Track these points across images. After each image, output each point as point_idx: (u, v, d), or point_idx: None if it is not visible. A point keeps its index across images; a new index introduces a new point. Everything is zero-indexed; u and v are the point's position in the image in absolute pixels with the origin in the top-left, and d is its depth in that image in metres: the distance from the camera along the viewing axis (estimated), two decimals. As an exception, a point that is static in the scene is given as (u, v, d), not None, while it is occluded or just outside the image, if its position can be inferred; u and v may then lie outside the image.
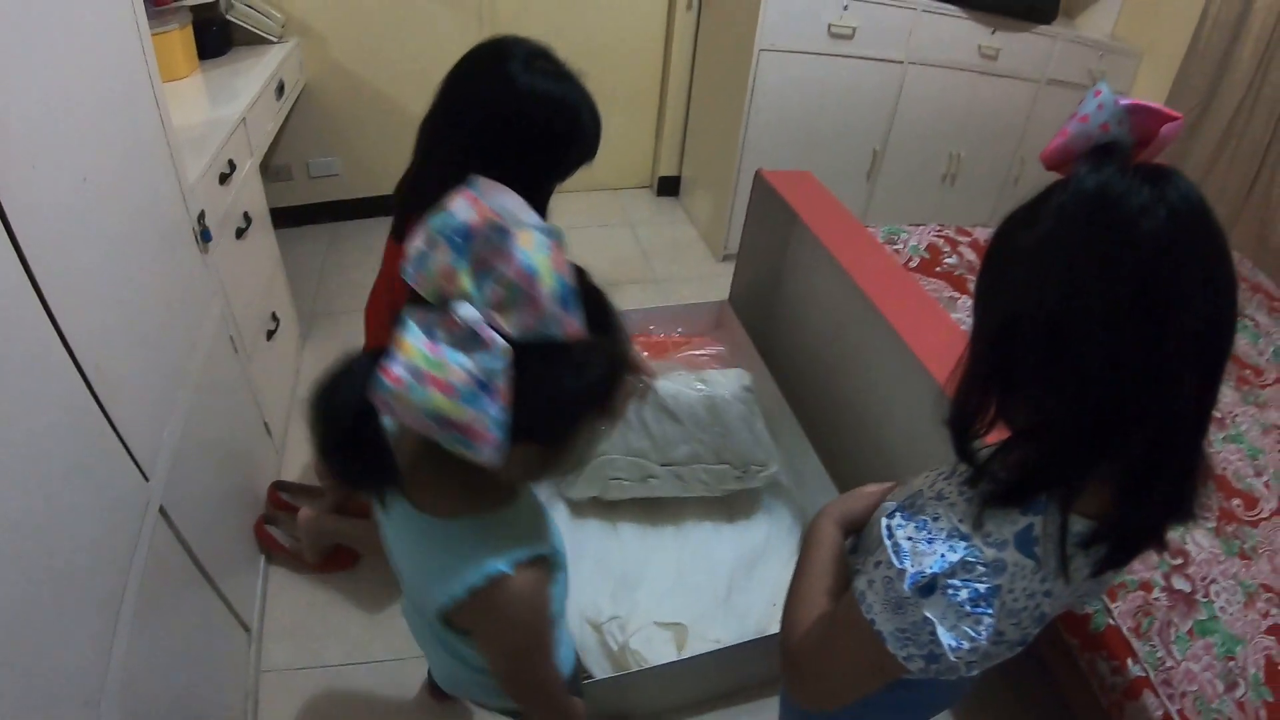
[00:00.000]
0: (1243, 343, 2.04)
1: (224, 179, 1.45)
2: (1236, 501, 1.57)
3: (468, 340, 0.52)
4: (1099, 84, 0.55)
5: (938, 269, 1.96)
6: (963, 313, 1.77)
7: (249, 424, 1.54)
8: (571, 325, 0.54)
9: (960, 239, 2.13)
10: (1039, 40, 2.68)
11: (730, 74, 2.45)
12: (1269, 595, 1.37)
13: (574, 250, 0.55)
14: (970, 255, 2.07)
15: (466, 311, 0.52)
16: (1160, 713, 1.15)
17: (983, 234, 2.17)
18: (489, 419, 0.52)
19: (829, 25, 2.30)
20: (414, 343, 0.52)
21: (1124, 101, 0.55)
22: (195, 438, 1.17)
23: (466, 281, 0.53)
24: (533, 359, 0.54)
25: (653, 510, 1.61)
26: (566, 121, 0.99)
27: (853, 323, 1.57)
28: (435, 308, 0.54)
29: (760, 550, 1.58)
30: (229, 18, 2.00)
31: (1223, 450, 1.68)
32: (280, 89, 2.04)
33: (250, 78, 1.85)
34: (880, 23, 2.37)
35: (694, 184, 2.99)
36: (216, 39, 1.95)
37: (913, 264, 1.95)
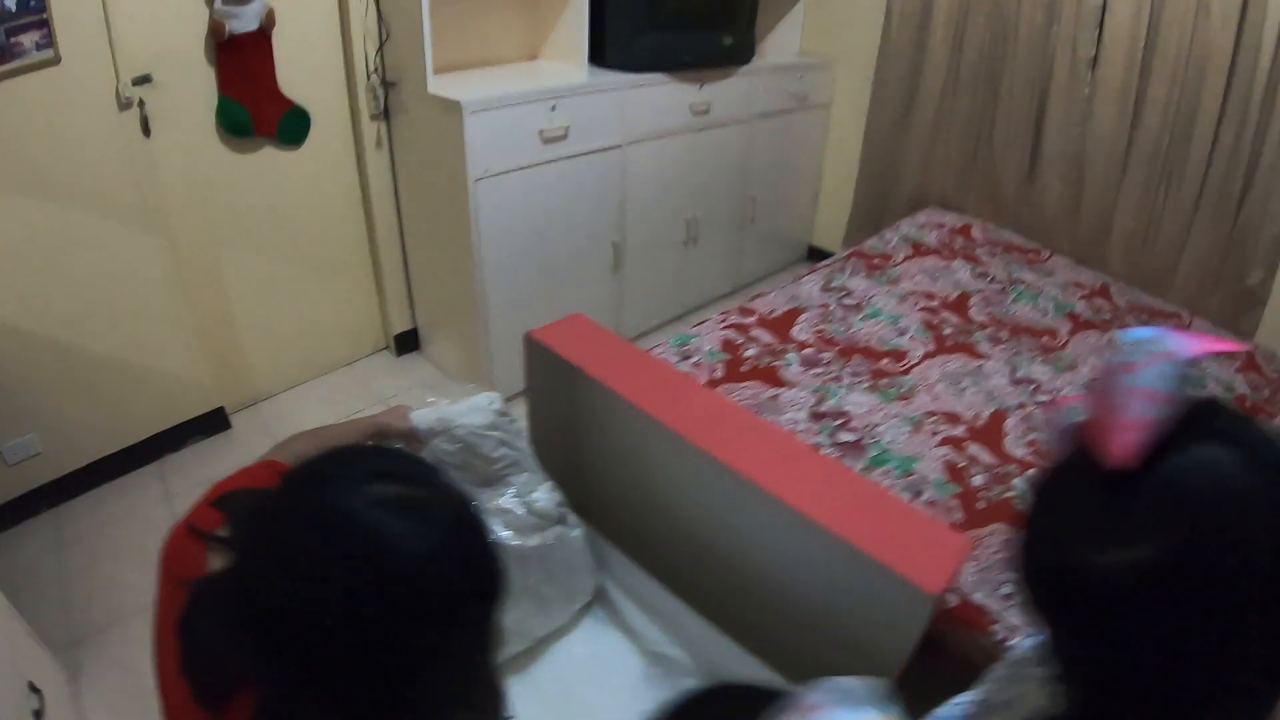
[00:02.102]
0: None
1: None
2: (885, 360, 1.91)
3: None
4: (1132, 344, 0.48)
5: (743, 369, 1.81)
6: (788, 410, 1.66)
7: None
8: None
9: (746, 319, 2.01)
10: (742, 82, 2.68)
11: (446, 210, 2.17)
12: (934, 418, 1.71)
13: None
14: (766, 336, 1.95)
15: None
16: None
17: (763, 304, 2.08)
18: None
19: (540, 132, 2.10)
20: None
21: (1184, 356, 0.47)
22: None
23: None
24: None
25: None
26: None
27: (682, 470, 1.42)
28: None
29: None
30: None
31: (863, 328, 2.04)
32: None
33: None
34: (591, 113, 2.22)
35: (435, 332, 2.64)
36: None
37: (718, 374, 1.78)
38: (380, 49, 2.20)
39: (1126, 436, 0.46)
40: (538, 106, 2.08)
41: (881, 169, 3.09)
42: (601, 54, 2.31)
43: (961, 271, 2.43)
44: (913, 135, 2.93)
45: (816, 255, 3.51)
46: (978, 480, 1.55)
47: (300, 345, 2.48)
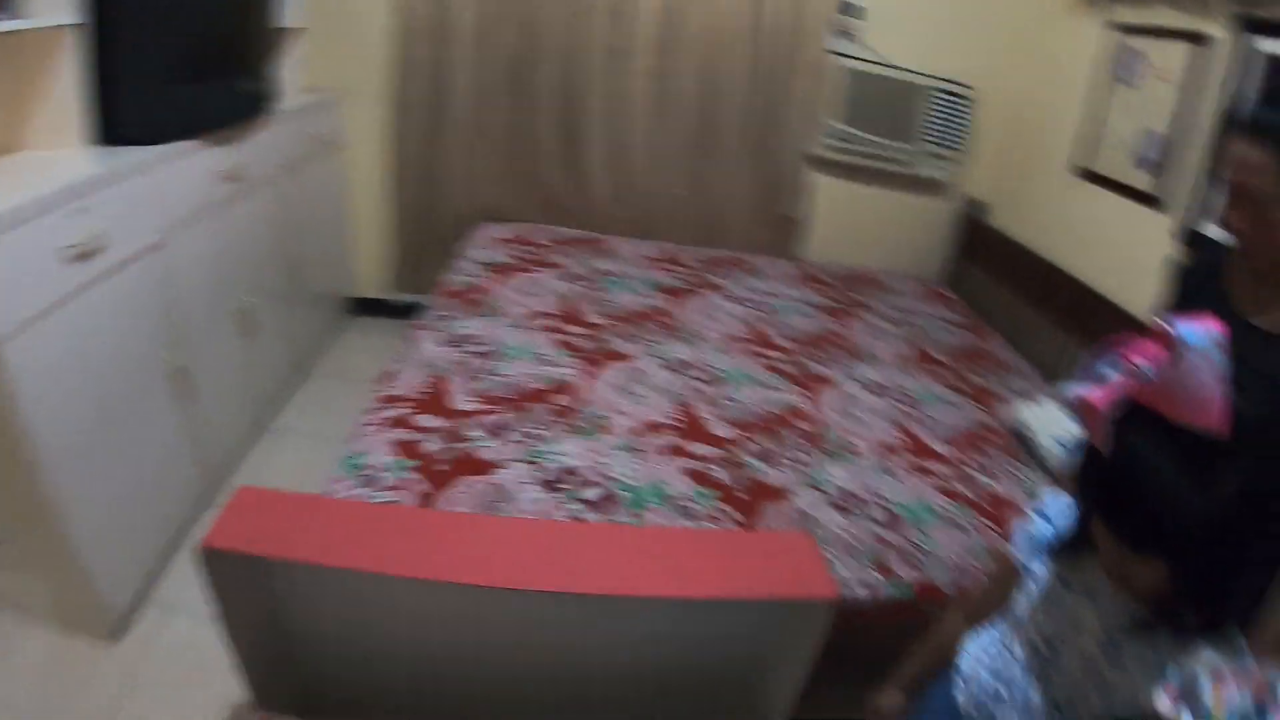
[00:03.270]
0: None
1: None
2: (558, 397, 1.92)
3: None
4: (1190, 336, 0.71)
5: (441, 468, 1.59)
6: (520, 492, 1.55)
7: None
8: None
9: (401, 410, 1.75)
10: (267, 135, 2.32)
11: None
12: (642, 436, 1.80)
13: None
14: (433, 421, 1.73)
15: None
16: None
17: (402, 385, 1.88)
18: None
19: (60, 250, 1.47)
20: None
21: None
22: None
23: None
24: None
25: None
26: None
27: (477, 619, 1.25)
28: None
29: None
30: None
31: (512, 372, 1.98)
32: None
33: None
34: (119, 207, 1.65)
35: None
36: None
37: (423, 487, 1.54)
38: None
39: (1222, 412, 0.69)
40: (53, 217, 1.49)
41: (420, 198, 3.02)
42: (113, 129, 1.74)
43: (550, 280, 2.58)
44: (449, 155, 2.93)
45: (369, 307, 3.30)
46: (727, 476, 1.73)
47: None
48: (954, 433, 2.10)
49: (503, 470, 1.62)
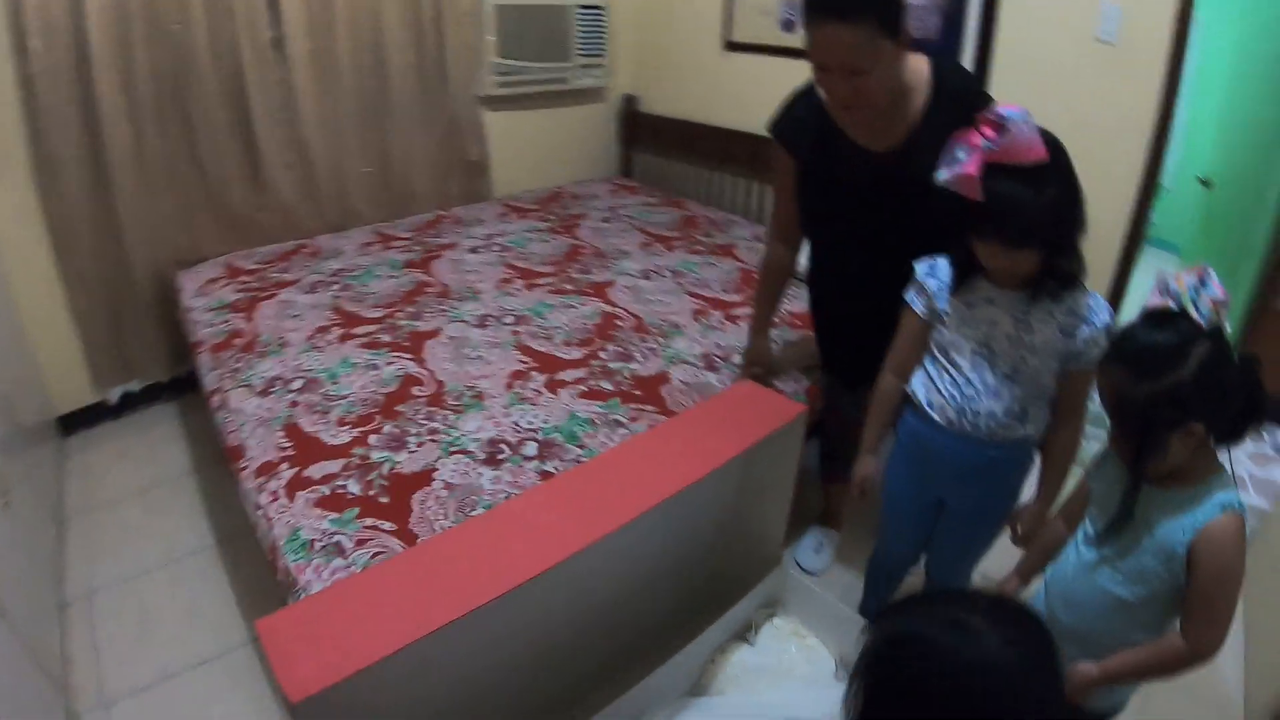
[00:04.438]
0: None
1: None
2: (459, 397, 1.83)
3: None
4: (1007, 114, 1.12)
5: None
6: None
7: None
8: None
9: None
10: None
11: None
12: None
13: None
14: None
15: None
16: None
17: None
18: None
19: None
20: None
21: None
22: None
23: None
24: None
25: None
26: None
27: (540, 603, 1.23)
28: None
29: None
30: None
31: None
32: None
33: None
34: None
35: None
36: None
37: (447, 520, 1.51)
38: None
39: (1042, 145, 1.09)
40: None
41: (99, 270, 2.44)
42: None
43: (298, 296, 2.35)
44: (121, 208, 2.38)
45: (84, 419, 2.62)
46: (611, 384, 1.89)
47: None
48: (578, 334, 2.16)
49: (439, 471, 1.60)
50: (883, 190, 1.46)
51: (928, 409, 1.38)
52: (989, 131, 1.13)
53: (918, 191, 1.28)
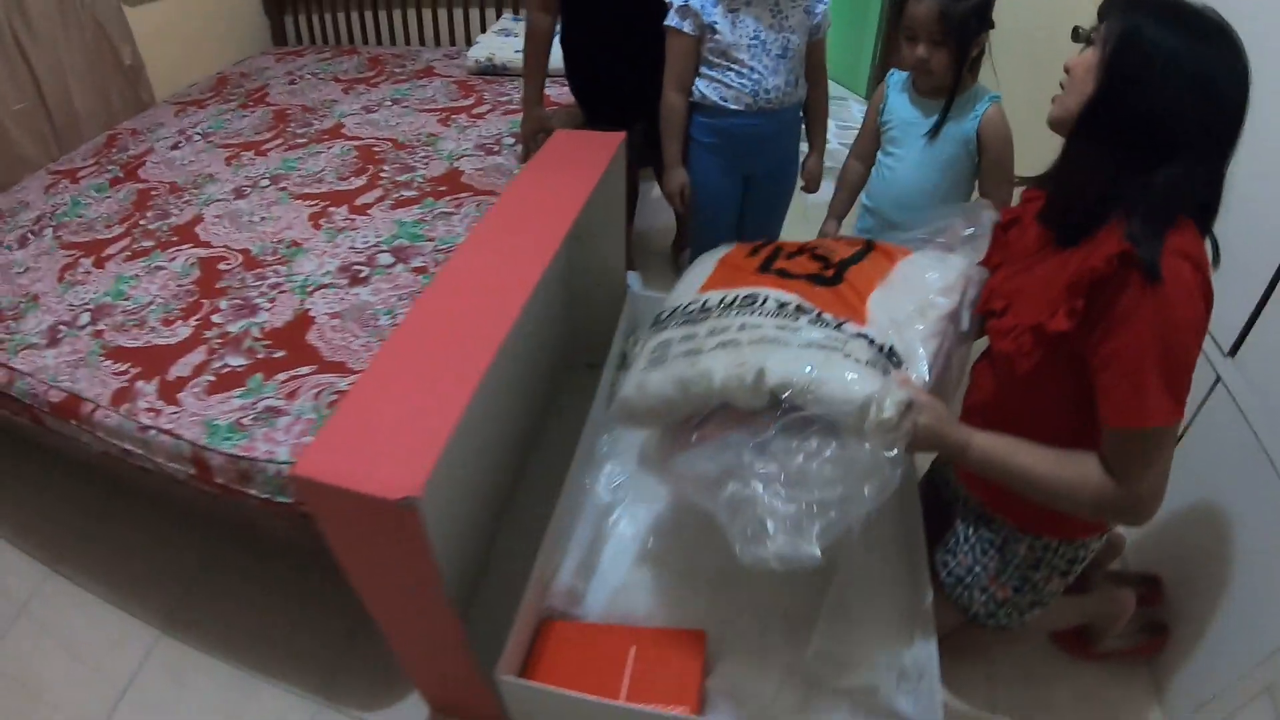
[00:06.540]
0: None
1: None
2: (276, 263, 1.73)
3: None
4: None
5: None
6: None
7: None
8: None
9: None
10: None
11: None
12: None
13: None
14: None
15: None
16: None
17: None
18: None
19: None
20: None
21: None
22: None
23: None
24: None
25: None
26: None
27: None
28: None
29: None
30: None
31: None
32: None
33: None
34: None
35: None
36: None
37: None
38: None
39: None
40: None
41: None
42: None
43: (20, 255, 1.91)
44: None
45: None
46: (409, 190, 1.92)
47: None
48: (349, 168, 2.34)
49: (313, 309, 1.59)
50: None
51: (722, 103, 1.64)
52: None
53: None
